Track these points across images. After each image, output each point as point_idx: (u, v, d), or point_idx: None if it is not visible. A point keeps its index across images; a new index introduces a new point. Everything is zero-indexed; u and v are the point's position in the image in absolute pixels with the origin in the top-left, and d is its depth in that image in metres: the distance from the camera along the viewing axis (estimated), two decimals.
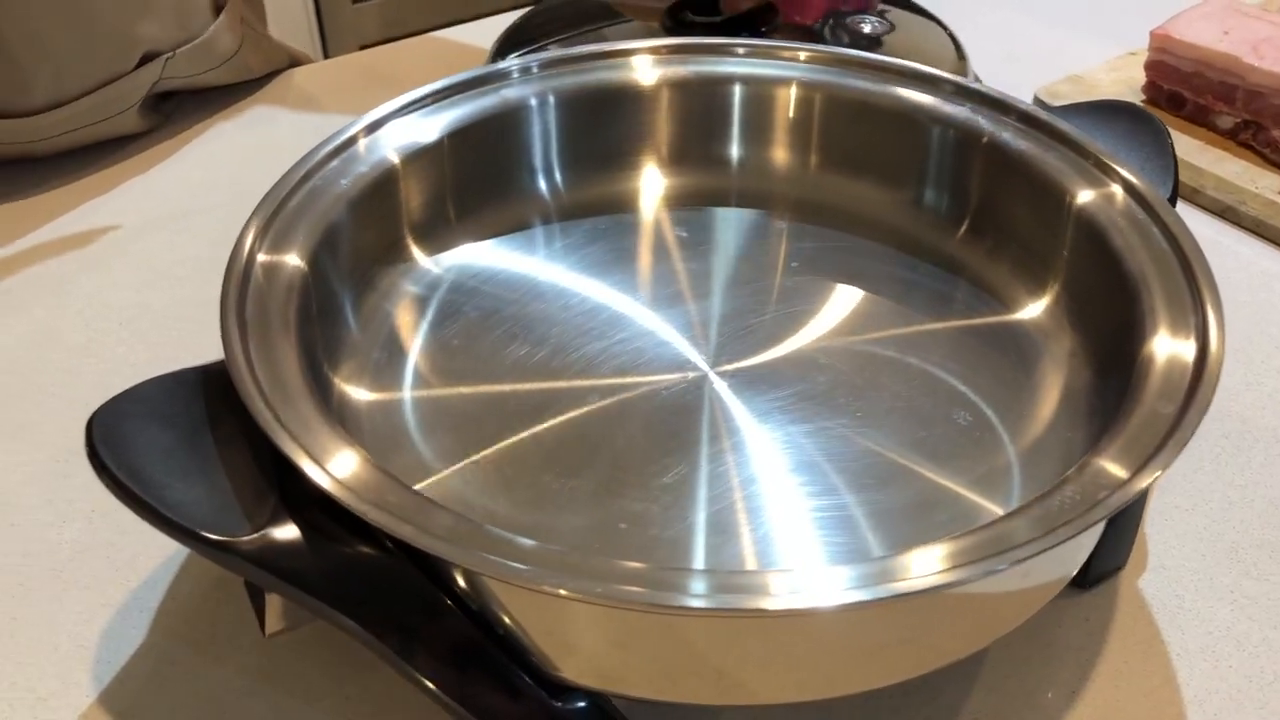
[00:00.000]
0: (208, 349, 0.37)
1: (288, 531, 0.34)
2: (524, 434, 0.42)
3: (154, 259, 0.60)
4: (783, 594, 0.30)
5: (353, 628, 0.33)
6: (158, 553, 0.44)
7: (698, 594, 0.30)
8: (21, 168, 0.66)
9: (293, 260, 0.41)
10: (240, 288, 0.39)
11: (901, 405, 0.43)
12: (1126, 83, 0.74)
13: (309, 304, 0.41)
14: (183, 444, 0.36)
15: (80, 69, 0.63)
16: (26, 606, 0.43)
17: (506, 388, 0.44)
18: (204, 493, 0.34)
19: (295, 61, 0.78)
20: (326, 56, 2.49)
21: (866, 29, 0.65)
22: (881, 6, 0.70)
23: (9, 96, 0.62)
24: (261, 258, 0.41)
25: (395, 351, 0.45)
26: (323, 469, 0.32)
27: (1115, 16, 0.84)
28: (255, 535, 0.33)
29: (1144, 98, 0.73)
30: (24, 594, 0.43)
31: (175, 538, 0.33)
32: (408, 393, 0.44)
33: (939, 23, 0.72)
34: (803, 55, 0.45)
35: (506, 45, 0.69)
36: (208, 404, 0.37)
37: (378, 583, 0.34)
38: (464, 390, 0.44)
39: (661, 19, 0.67)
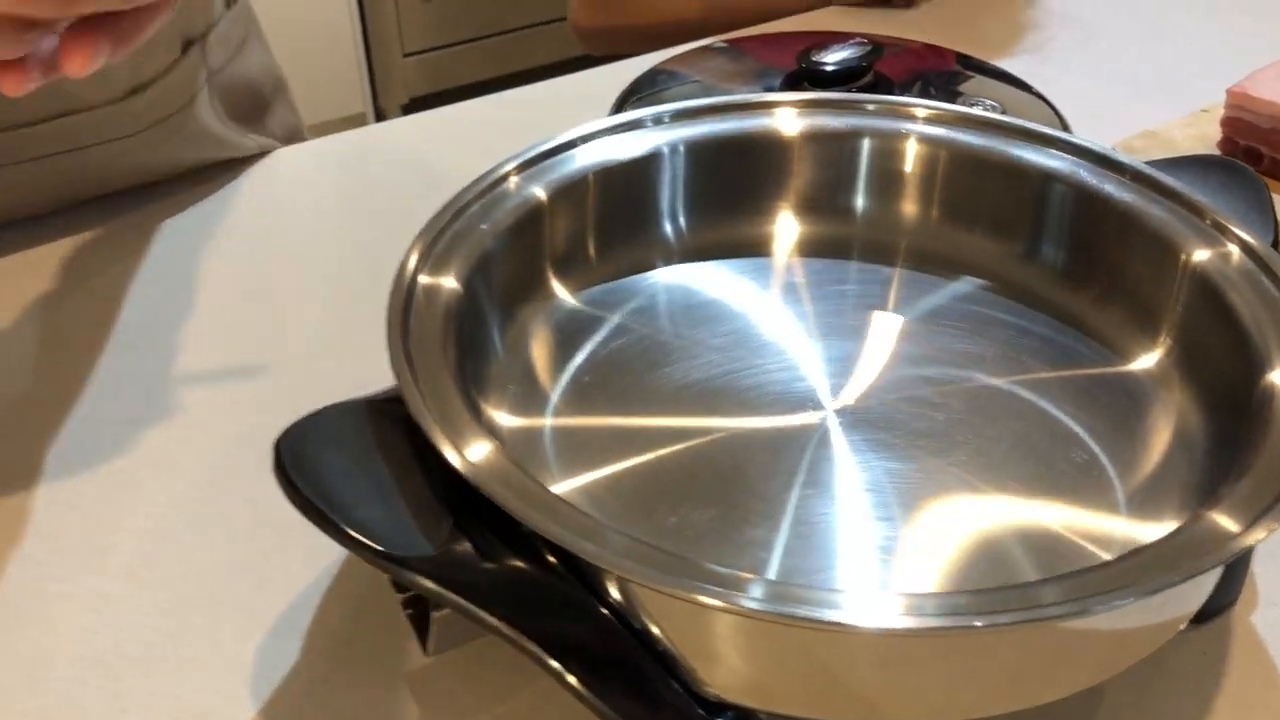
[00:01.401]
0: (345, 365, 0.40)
1: (464, 550, 0.36)
2: (654, 463, 0.44)
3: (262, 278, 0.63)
4: (944, 614, 0.32)
5: (521, 640, 0.35)
6: (305, 574, 0.46)
7: (860, 612, 0.32)
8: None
9: (450, 284, 0.44)
10: (404, 312, 0.42)
11: (1018, 443, 0.44)
12: (1201, 138, 0.76)
13: (463, 330, 0.44)
14: (358, 468, 0.38)
15: (146, 50, 0.65)
16: (185, 626, 0.45)
17: (635, 421, 0.46)
18: (383, 513, 0.37)
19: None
20: (376, 107, 2.56)
21: (977, 110, 0.68)
22: (973, 75, 0.73)
23: (93, 89, 0.64)
24: (422, 279, 0.43)
25: (533, 382, 0.47)
26: (507, 494, 0.35)
27: (1183, 76, 0.86)
28: (436, 554, 0.35)
29: (1218, 153, 0.75)
30: (182, 614, 0.45)
31: (361, 555, 0.35)
32: (547, 420, 0.46)
33: (1035, 92, 0.74)
34: (924, 112, 0.48)
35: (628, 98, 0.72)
36: (375, 430, 0.40)
37: (545, 598, 0.36)
38: (597, 421, 0.46)
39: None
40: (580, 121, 0.75)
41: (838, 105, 0.48)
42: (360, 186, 0.74)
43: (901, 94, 0.71)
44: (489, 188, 0.46)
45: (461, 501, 0.37)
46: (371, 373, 0.54)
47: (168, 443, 0.53)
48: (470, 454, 0.36)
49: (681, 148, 0.48)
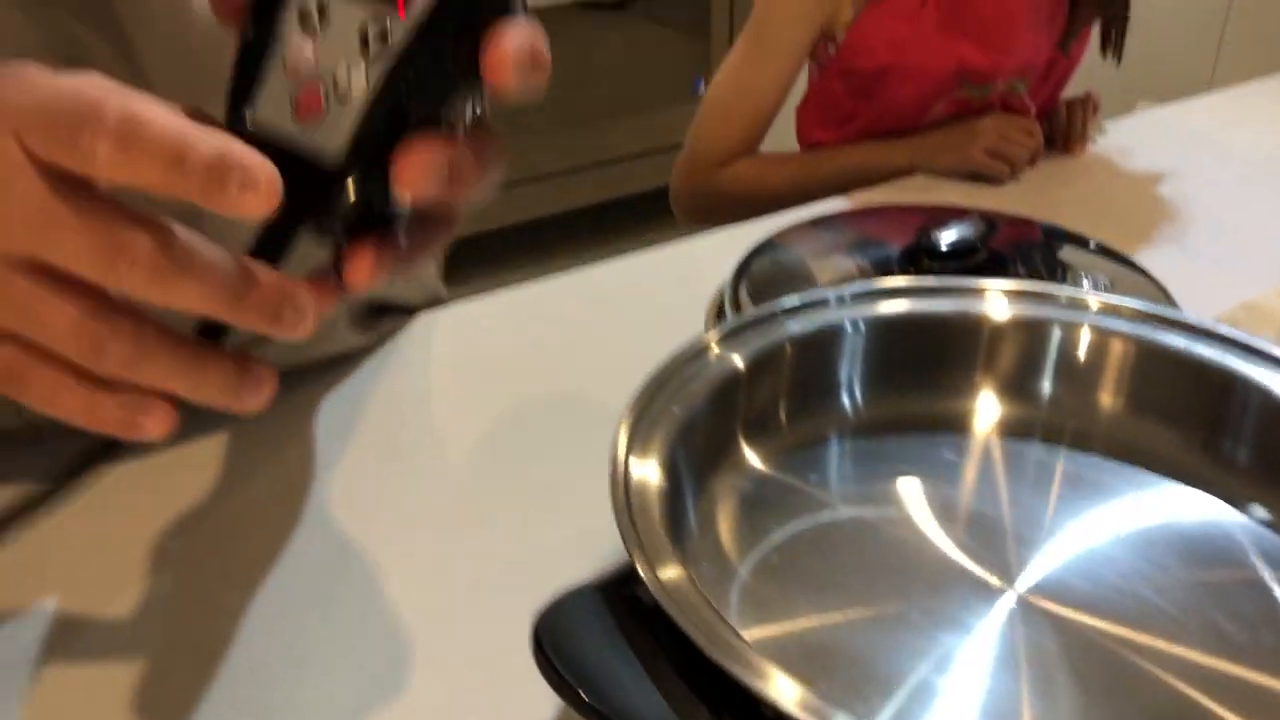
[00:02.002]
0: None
1: None
2: (846, 644, 0.45)
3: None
4: None
5: None
6: None
7: None
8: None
9: (654, 465, 0.46)
10: (625, 500, 0.44)
11: (1207, 631, 0.46)
12: None
13: (669, 509, 0.46)
14: (610, 652, 0.39)
15: None
16: None
17: (825, 604, 0.48)
18: (638, 699, 0.38)
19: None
20: None
21: (1087, 283, 0.72)
22: (1069, 247, 0.77)
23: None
24: (633, 462, 0.45)
25: (723, 560, 0.49)
26: (765, 688, 0.36)
27: (1269, 248, 0.90)
28: None
29: None
30: None
31: None
32: (734, 596, 0.47)
33: (1136, 266, 0.78)
34: (1097, 304, 0.51)
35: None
36: (616, 616, 0.41)
37: None
38: (786, 602, 0.48)
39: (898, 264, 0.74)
40: (697, 290, 0.78)
41: (1017, 292, 0.51)
42: (517, 347, 0.77)
43: (1013, 269, 0.75)
44: (691, 358, 0.49)
45: (713, 686, 0.38)
46: (556, 544, 0.56)
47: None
48: (724, 647, 0.37)
49: (862, 323, 0.51)
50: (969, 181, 1.03)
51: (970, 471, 0.51)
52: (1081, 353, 0.51)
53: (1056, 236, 0.83)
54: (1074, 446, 0.51)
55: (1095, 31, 1.13)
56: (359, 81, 0.33)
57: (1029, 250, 0.79)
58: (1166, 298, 0.75)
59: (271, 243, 0.35)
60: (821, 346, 0.51)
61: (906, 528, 0.50)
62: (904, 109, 1.09)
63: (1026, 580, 0.47)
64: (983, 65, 1.07)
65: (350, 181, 0.34)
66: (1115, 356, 0.51)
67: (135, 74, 0.54)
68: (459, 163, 0.35)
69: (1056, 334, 0.51)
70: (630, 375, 0.71)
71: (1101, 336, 0.51)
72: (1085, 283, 0.74)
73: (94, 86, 0.32)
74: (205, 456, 0.65)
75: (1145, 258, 0.81)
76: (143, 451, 0.63)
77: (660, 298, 0.83)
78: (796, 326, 0.51)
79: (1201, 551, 0.48)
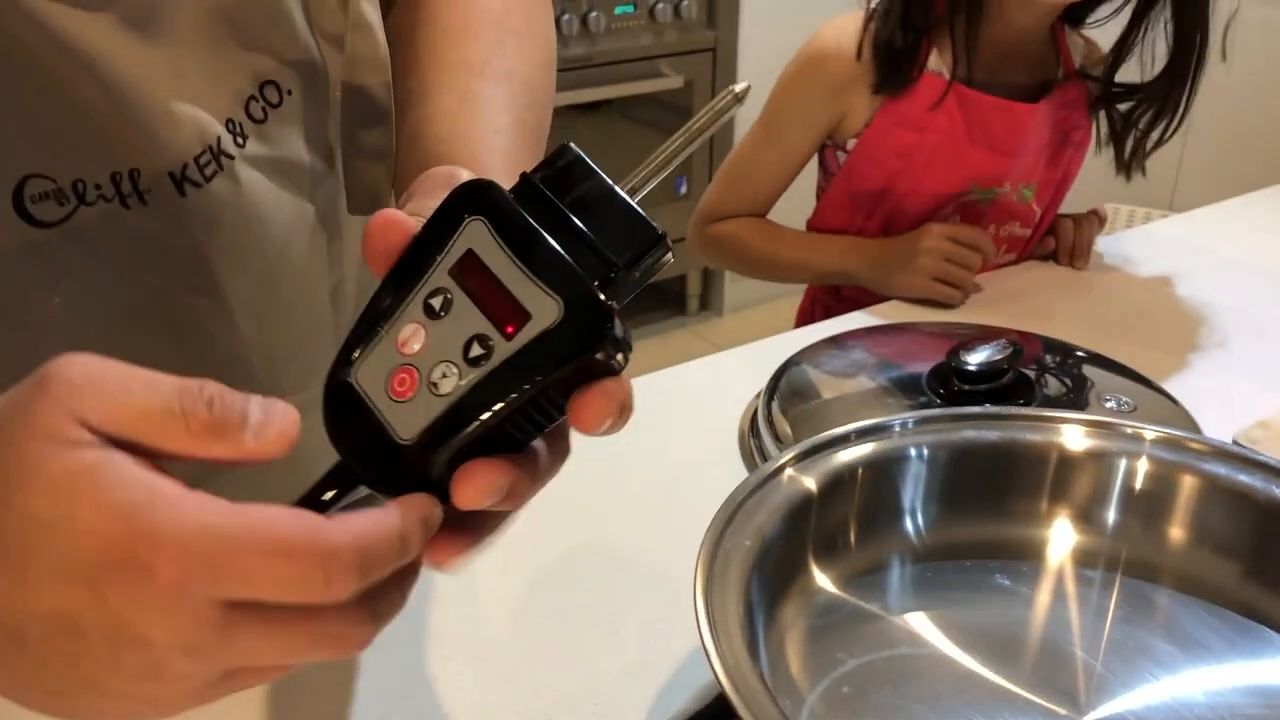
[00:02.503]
0: None
1: None
2: None
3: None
4: None
5: None
6: None
7: None
8: None
9: (734, 598, 0.46)
10: (713, 636, 0.44)
11: None
12: None
13: (747, 639, 0.46)
14: None
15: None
16: None
17: None
18: None
19: None
20: None
21: (1110, 404, 0.74)
22: (1110, 379, 0.80)
23: None
24: (715, 596, 0.46)
25: (795, 693, 0.49)
26: None
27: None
28: None
29: None
30: None
31: None
32: None
33: (1160, 390, 0.80)
34: (1153, 435, 0.53)
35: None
36: None
37: None
38: None
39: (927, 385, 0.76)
40: (730, 400, 0.79)
41: (1083, 422, 0.53)
42: None
43: (1039, 392, 0.77)
44: (764, 481, 0.50)
45: None
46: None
47: None
48: None
49: (926, 450, 0.53)
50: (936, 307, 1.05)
51: (1037, 600, 0.52)
52: (1146, 484, 0.53)
53: (1074, 356, 0.86)
54: (1139, 577, 0.53)
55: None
56: (450, 383, 0.35)
57: (1052, 371, 0.81)
58: (1188, 419, 0.77)
59: (325, 492, 0.36)
60: (891, 471, 0.53)
61: (975, 656, 0.50)
62: (913, 217, 1.11)
63: (1095, 707, 0.48)
64: (990, 170, 1.10)
65: (411, 466, 0.35)
66: (1178, 489, 0.52)
67: (229, 325, 0.56)
68: (518, 484, 0.36)
69: (1123, 465, 0.53)
70: (669, 495, 0.73)
71: (1165, 469, 0.53)
72: (1109, 404, 0.76)
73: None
74: None
75: (1159, 374, 0.83)
76: None
77: (688, 416, 0.84)
78: (866, 450, 0.52)
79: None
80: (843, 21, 1.10)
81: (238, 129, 0.53)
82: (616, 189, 0.36)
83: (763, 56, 2.56)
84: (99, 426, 0.31)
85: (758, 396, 0.82)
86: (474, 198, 0.37)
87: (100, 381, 0.32)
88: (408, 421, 0.35)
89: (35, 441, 0.30)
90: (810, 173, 1.22)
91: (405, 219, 0.37)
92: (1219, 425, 0.80)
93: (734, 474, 0.76)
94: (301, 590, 0.31)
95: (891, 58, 1.06)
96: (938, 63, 1.07)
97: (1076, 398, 0.77)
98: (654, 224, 0.36)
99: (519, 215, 0.36)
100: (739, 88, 0.37)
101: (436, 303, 0.36)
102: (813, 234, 1.18)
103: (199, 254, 0.53)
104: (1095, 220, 1.15)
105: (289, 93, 0.56)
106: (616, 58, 2.44)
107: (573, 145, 0.37)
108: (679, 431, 0.81)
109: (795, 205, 1.21)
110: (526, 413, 0.35)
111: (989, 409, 0.54)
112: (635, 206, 0.36)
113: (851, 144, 1.11)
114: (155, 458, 0.32)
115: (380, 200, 0.61)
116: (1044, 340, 0.87)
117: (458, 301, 0.36)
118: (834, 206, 1.16)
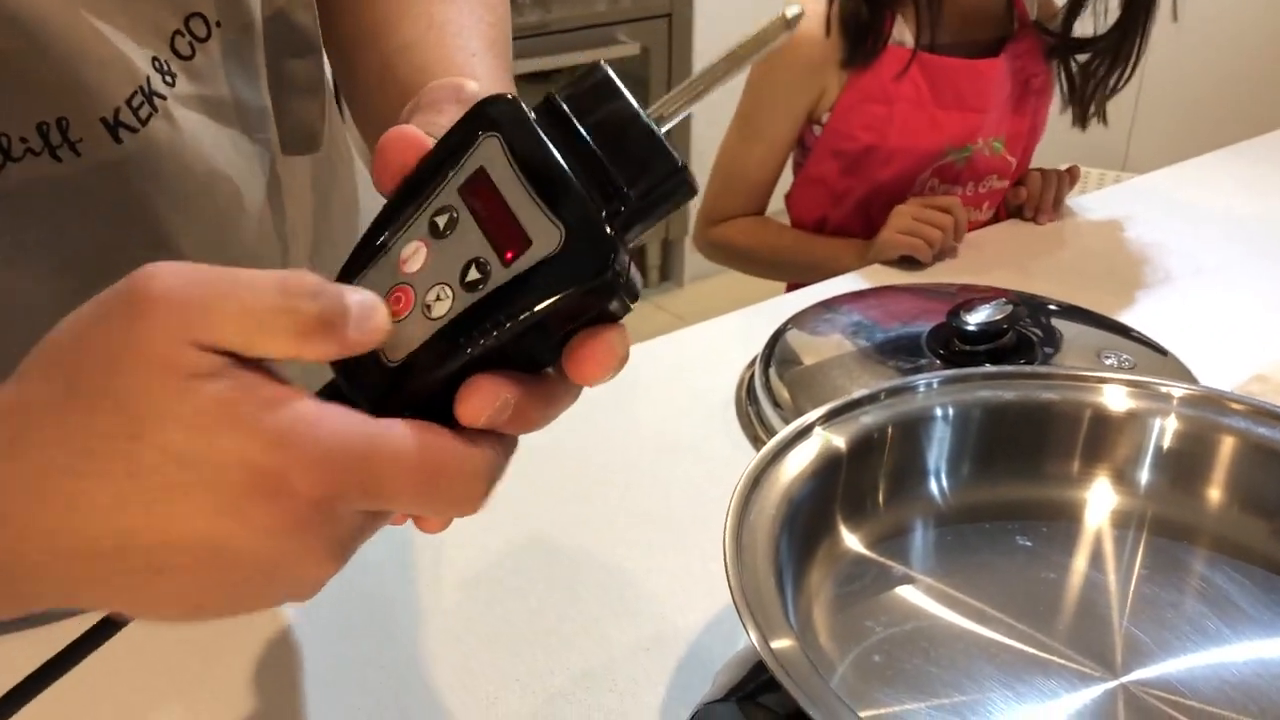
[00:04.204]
0: None
1: None
2: None
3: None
4: None
5: None
6: None
7: None
8: None
9: (765, 561, 0.45)
10: (748, 608, 0.42)
11: None
12: None
13: (780, 607, 0.44)
14: None
15: None
16: None
17: (926, 703, 0.47)
18: None
19: None
20: None
21: (1110, 362, 0.73)
22: (1108, 338, 0.79)
23: None
24: (744, 562, 0.44)
25: (825, 657, 0.48)
26: None
27: (1265, 312, 0.93)
28: None
29: None
30: None
31: None
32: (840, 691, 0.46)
33: (1159, 348, 0.79)
34: (1181, 393, 0.52)
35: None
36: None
37: None
38: (889, 703, 0.47)
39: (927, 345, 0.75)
40: (724, 367, 0.77)
41: (1101, 380, 0.52)
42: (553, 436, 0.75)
43: (1039, 351, 0.76)
44: (795, 438, 0.48)
45: None
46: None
47: None
48: None
49: (952, 409, 0.51)
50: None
51: (1068, 563, 0.51)
52: (1179, 444, 0.52)
53: (1063, 313, 0.85)
54: (1171, 537, 0.52)
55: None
56: (442, 306, 0.33)
57: (1049, 330, 0.80)
58: (1186, 374, 0.77)
59: None
60: (922, 430, 0.51)
61: (1007, 620, 0.49)
62: (892, 185, 1.11)
63: (1130, 669, 0.47)
64: (961, 130, 1.10)
65: (397, 389, 0.33)
66: (1213, 447, 0.51)
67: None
68: (526, 404, 0.34)
69: (1156, 424, 0.52)
70: (669, 465, 0.71)
71: (1199, 427, 0.52)
72: (1109, 361, 0.75)
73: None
74: None
75: (1150, 330, 0.83)
76: None
77: (683, 384, 0.82)
78: (896, 410, 0.51)
79: None
80: (806, 4, 1.09)
81: (165, 67, 0.50)
82: (642, 114, 0.33)
83: (718, 22, 2.54)
84: (213, 344, 0.29)
85: (752, 363, 0.81)
86: (493, 114, 0.34)
87: (199, 291, 0.30)
88: (396, 343, 0.33)
89: (156, 376, 0.29)
90: None
91: (420, 135, 0.35)
92: (1212, 380, 0.79)
93: (733, 441, 0.75)
94: (445, 506, 0.32)
95: (858, 30, 1.07)
96: (901, 31, 1.08)
97: (1076, 357, 0.76)
98: (675, 154, 0.33)
99: (535, 135, 0.33)
100: (791, 11, 0.34)
101: (441, 221, 0.34)
102: (809, 236, 1.19)
103: (146, 206, 0.51)
104: (1065, 178, 1.15)
105: (217, 24, 0.53)
106: (571, 25, 2.40)
107: (604, 64, 0.34)
108: (674, 400, 0.80)
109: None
110: (520, 347, 0.33)
111: (1022, 368, 0.53)
112: (658, 134, 0.33)
113: (826, 117, 1.11)
114: (261, 362, 0.31)
115: (315, 137, 0.59)
116: (1031, 298, 0.86)
117: (463, 221, 0.33)
118: (812, 181, 1.16)
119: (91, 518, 0.29)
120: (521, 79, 0.42)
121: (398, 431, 0.31)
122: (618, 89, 0.34)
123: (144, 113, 0.49)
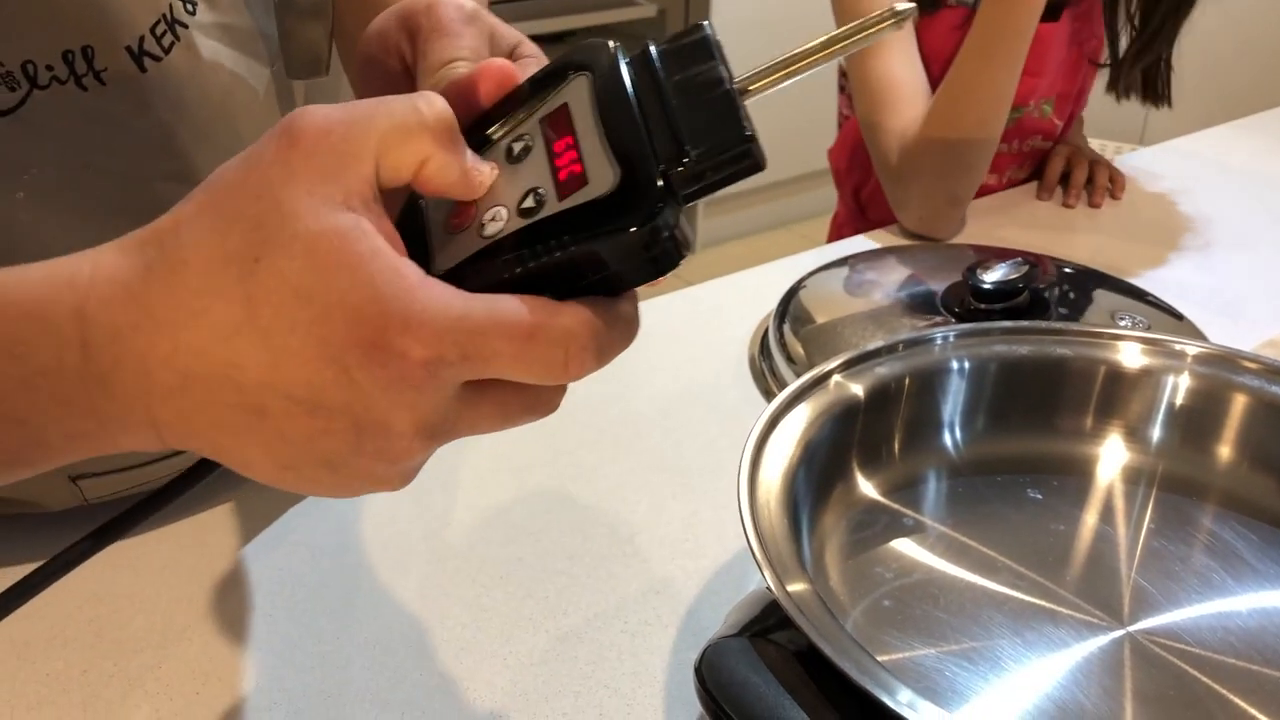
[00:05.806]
0: None
1: None
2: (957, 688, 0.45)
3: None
4: None
5: None
6: None
7: None
8: None
9: (776, 503, 0.45)
10: (763, 549, 0.43)
11: None
12: None
13: (793, 549, 0.45)
14: (767, 691, 0.39)
15: None
16: None
17: (936, 648, 0.47)
18: None
19: None
20: None
21: (1125, 323, 0.73)
22: (1122, 301, 0.79)
23: None
24: (758, 502, 0.45)
25: (838, 603, 0.48)
26: None
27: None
28: None
29: None
30: None
31: None
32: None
33: (1172, 311, 0.79)
34: (1195, 350, 0.52)
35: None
36: (766, 660, 0.40)
37: None
38: (900, 648, 0.47)
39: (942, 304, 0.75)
40: (738, 322, 0.77)
41: (1118, 337, 0.52)
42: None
43: (1054, 310, 0.76)
44: (814, 383, 0.49)
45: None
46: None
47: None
48: (884, 684, 0.37)
49: (968, 363, 0.52)
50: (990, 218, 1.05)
51: (1078, 515, 0.52)
52: (1192, 401, 0.52)
53: (1079, 274, 0.85)
54: (1180, 492, 0.52)
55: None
56: (494, 227, 0.34)
57: (1065, 291, 0.80)
58: (1200, 337, 0.77)
59: None
60: (938, 382, 0.52)
61: (1016, 570, 0.50)
62: None
63: (1138, 619, 0.48)
64: (1018, 92, 1.06)
65: None
66: (1225, 404, 0.52)
67: None
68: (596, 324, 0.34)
69: (1169, 381, 0.52)
70: (682, 416, 0.72)
71: (1213, 385, 0.52)
72: (1124, 323, 0.76)
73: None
74: (243, 519, 0.63)
75: (1159, 294, 0.83)
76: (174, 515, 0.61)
77: (698, 338, 0.83)
78: (913, 361, 0.51)
79: None
80: None
81: None
82: (726, 80, 0.34)
83: None
84: (359, 170, 0.31)
85: (767, 319, 0.81)
86: (590, 56, 0.36)
87: (344, 115, 0.31)
88: (448, 254, 0.34)
89: (299, 199, 0.30)
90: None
91: (516, 69, 0.37)
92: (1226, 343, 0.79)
93: (745, 396, 0.75)
94: (543, 372, 0.32)
95: None
96: None
97: (1091, 317, 0.77)
98: (745, 125, 0.34)
99: (619, 81, 0.35)
100: (902, 6, 0.34)
101: (518, 148, 0.35)
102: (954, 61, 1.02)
103: (167, 135, 0.51)
104: (1103, 170, 1.13)
105: None
106: None
107: (708, 24, 0.35)
108: (689, 353, 0.80)
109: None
110: (558, 280, 0.33)
111: (1040, 323, 0.53)
112: (736, 102, 0.34)
113: None
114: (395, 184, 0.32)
115: (320, 60, 0.59)
116: (1048, 260, 0.86)
117: (535, 151, 0.35)
118: (857, 134, 1.14)
119: (206, 339, 0.30)
120: (539, 40, 0.42)
121: (501, 299, 0.32)
122: (711, 52, 0.35)
123: (167, 41, 0.50)
